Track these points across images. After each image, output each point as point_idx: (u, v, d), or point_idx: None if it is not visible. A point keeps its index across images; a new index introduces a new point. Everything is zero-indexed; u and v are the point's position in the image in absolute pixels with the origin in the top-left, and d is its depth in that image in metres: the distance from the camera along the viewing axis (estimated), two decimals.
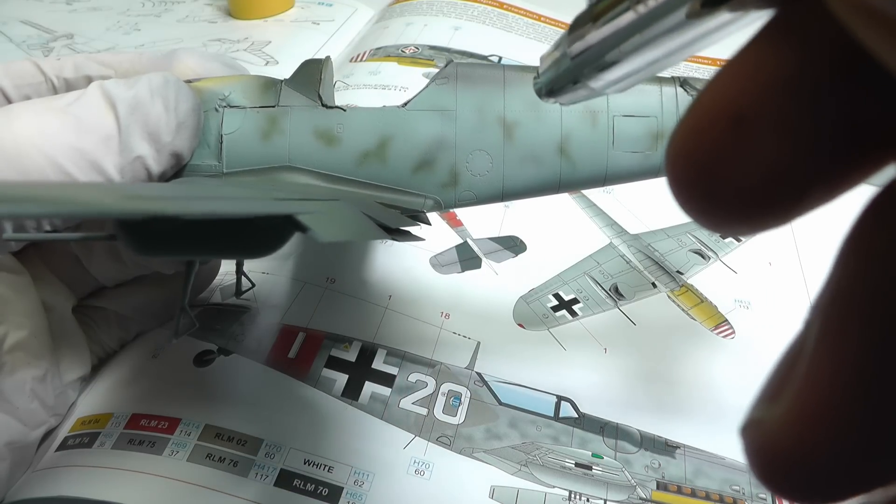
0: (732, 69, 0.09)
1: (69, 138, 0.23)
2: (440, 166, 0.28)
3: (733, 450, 0.32)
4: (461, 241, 0.43)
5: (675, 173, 0.10)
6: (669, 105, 0.27)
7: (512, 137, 0.27)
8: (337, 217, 0.20)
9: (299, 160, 0.27)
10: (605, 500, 0.30)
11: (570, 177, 0.28)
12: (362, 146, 0.27)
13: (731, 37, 0.10)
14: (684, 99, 0.27)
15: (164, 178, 0.27)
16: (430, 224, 0.29)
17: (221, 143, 0.27)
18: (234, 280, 0.34)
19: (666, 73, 0.29)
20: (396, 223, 0.22)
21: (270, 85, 0.28)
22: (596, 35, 0.12)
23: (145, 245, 0.20)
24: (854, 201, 0.10)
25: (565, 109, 0.27)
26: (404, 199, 0.27)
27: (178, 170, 0.27)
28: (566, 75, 0.13)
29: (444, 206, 0.28)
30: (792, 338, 0.10)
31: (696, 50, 0.11)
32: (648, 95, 0.27)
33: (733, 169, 0.09)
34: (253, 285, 0.35)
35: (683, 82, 0.28)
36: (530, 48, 0.64)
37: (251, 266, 0.38)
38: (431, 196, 0.28)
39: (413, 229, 0.24)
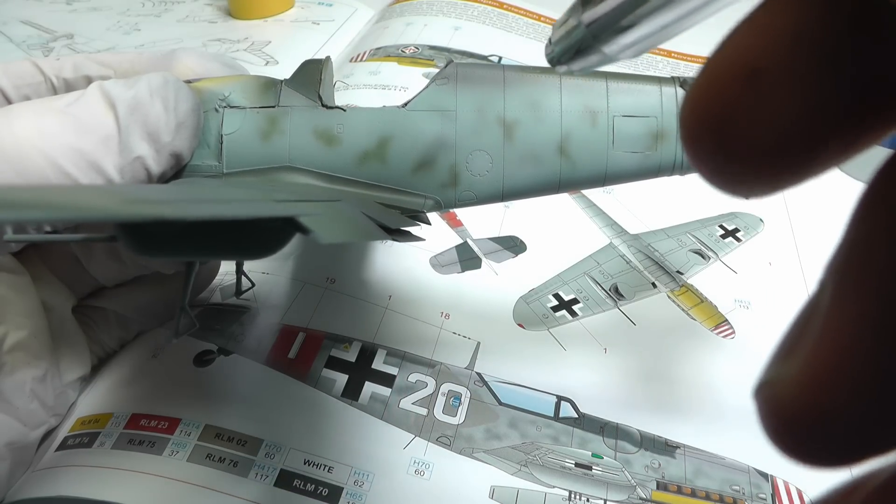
0: (750, 22, 0.09)
1: (69, 139, 0.23)
2: (440, 166, 0.28)
3: (733, 450, 0.32)
4: (461, 241, 0.43)
5: (690, 130, 0.10)
6: (669, 105, 0.27)
7: (512, 137, 0.27)
8: (338, 218, 0.20)
9: (299, 160, 0.27)
10: (605, 500, 0.30)
11: (570, 177, 0.28)
12: (362, 146, 0.27)
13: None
14: None
15: (164, 178, 0.27)
16: (430, 224, 0.29)
17: (221, 143, 0.27)
18: (234, 280, 0.34)
19: (666, 74, 0.29)
20: (396, 223, 0.22)
21: (270, 85, 0.28)
22: (610, 1, 0.12)
23: (146, 246, 0.20)
24: (851, 204, 0.10)
25: (565, 110, 0.27)
26: (404, 199, 0.27)
27: (178, 170, 0.27)
28: (580, 42, 0.13)
29: (444, 206, 0.28)
30: (806, 298, 0.10)
31: (709, 13, 0.11)
32: (648, 95, 0.27)
33: (748, 125, 0.09)
34: (253, 285, 0.35)
35: (683, 82, 0.28)
36: (530, 48, 0.64)
37: (251, 266, 0.38)
38: (431, 196, 0.28)
39: (413, 229, 0.24)
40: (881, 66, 0.09)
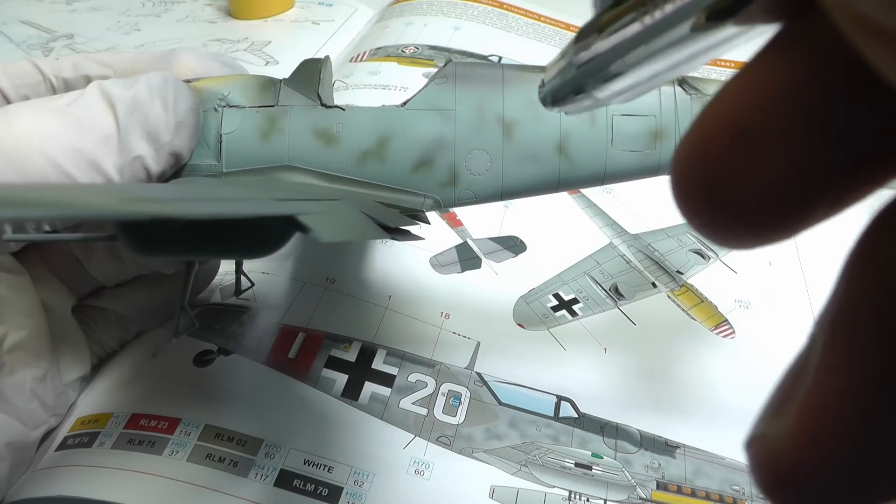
0: (739, 81, 0.09)
1: (69, 138, 0.23)
2: (439, 165, 0.28)
3: (733, 449, 0.32)
4: (461, 241, 0.43)
5: (680, 185, 0.10)
6: (668, 104, 0.27)
7: (511, 136, 0.27)
8: (337, 217, 0.20)
9: (299, 160, 0.27)
10: (605, 500, 0.30)
11: (569, 175, 0.28)
12: (361, 145, 0.27)
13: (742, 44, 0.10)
14: (683, 98, 0.27)
15: (164, 177, 0.27)
16: (429, 223, 0.29)
17: (221, 142, 0.27)
18: (234, 280, 0.34)
19: None
20: (396, 222, 0.22)
21: (269, 84, 0.28)
22: (602, 45, 0.12)
23: (145, 246, 0.20)
24: (856, 206, 0.10)
25: None
26: (403, 198, 0.27)
27: (177, 169, 0.27)
28: (571, 84, 0.13)
29: (443, 205, 0.28)
30: (796, 352, 0.10)
31: (702, 62, 0.11)
32: (647, 94, 0.27)
33: (738, 182, 0.09)
34: (252, 284, 0.35)
35: (682, 81, 0.28)
36: (530, 48, 0.64)
37: (251, 266, 0.38)
38: (431, 195, 0.28)
39: (413, 228, 0.24)
40: (870, 125, 0.09)
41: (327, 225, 0.18)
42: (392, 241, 0.42)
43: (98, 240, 0.27)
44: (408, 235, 0.23)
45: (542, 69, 0.28)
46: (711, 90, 0.27)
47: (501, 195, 0.28)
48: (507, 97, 0.27)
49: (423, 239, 0.26)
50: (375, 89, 0.55)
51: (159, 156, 0.25)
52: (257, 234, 0.20)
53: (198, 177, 0.27)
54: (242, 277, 0.33)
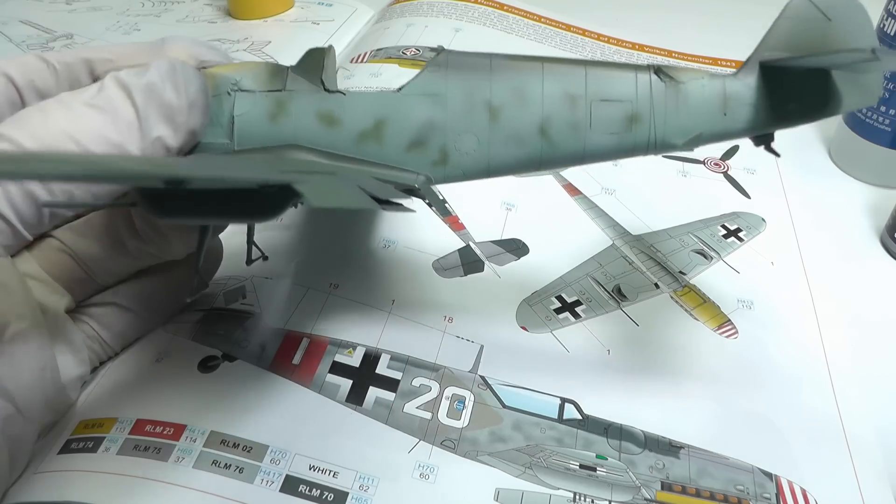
0: None
1: (97, 127, 0.26)
2: (431, 146, 0.30)
3: (737, 449, 0.32)
4: (464, 244, 0.43)
5: None
6: (644, 91, 0.29)
7: (497, 120, 0.29)
8: (329, 186, 0.22)
9: (303, 140, 0.29)
10: (610, 502, 0.30)
11: (550, 156, 0.30)
12: (360, 127, 0.29)
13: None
14: (658, 85, 0.29)
15: (182, 153, 0.29)
16: (424, 200, 0.31)
17: (233, 123, 0.29)
18: (237, 285, 0.34)
19: (642, 62, 0.30)
20: (388, 195, 0.24)
21: (278, 71, 0.30)
22: None
23: (163, 210, 0.22)
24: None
25: (546, 95, 0.29)
26: (398, 175, 0.29)
27: (192, 147, 0.29)
28: None
29: (434, 182, 0.30)
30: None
31: None
32: (624, 82, 0.29)
33: None
34: (266, 257, 0.36)
35: (658, 70, 0.29)
36: (531, 49, 0.64)
37: (254, 271, 0.38)
38: (424, 173, 0.30)
39: (405, 202, 0.25)
40: None
41: (319, 192, 0.20)
42: (393, 243, 0.42)
43: (121, 206, 0.30)
44: (399, 207, 0.24)
45: (527, 58, 0.30)
46: (685, 78, 0.29)
47: (488, 173, 0.30)
48: (495, 84, 0.29)
49: (413, 211, 0.27)
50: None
51: (177, 134, 0.27)
52: (261, 200, 0.21)
53: (213, 153, 0.30)
54: (254, 248, 0.34)
